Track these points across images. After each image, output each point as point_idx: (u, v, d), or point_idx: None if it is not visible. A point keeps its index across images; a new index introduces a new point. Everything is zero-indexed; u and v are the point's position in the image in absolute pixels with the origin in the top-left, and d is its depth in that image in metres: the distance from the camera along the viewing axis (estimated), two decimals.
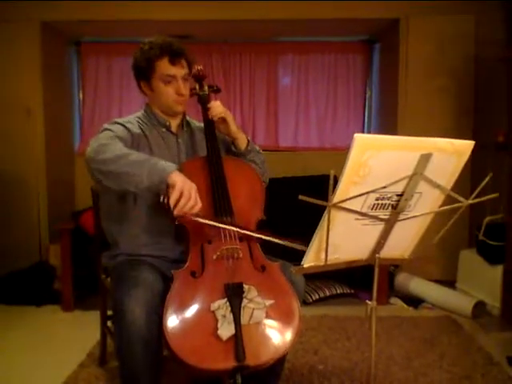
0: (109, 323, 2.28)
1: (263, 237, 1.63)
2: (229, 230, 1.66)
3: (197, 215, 1.52)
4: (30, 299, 3.30)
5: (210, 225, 1.62)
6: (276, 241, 1.57)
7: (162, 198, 1.51)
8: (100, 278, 2.20)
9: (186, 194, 1.46)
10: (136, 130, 1.83)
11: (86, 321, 2.94)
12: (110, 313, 2.23)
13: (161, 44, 1.81)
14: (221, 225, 1.63)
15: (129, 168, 1.51)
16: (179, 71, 1.82)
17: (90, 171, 1.59)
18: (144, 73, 1.84)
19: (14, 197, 3.67)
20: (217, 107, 1.89)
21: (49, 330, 2.91)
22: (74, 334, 2.83)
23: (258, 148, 2.01)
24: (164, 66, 1.80)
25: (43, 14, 3.57)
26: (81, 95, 4.30)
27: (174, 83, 1.82)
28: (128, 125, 1.81)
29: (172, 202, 1.45)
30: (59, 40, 3.96)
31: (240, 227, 1.65)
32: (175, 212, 1.47)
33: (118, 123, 1.81)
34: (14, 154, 3.65)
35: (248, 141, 1.96)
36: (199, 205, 1.50)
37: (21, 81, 3.62)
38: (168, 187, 1.48)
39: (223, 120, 1.90)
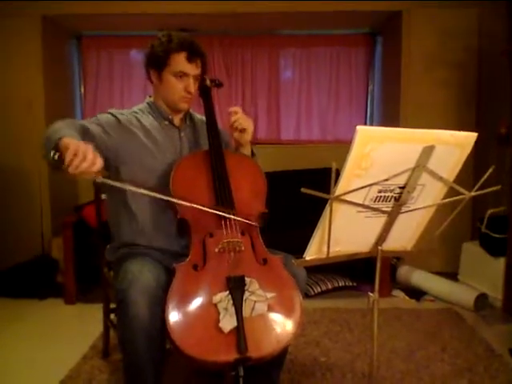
0: (111, 316, 2.29)
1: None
2: (230, 220, 1.66)
3: (100, 176, 1.45)
4: (33, 292, 3.32)
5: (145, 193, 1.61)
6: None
7: (52, 153, 1.42)
8: (102, 271, 2.20)
9: (80, 155, 1.38)
10: (125, 120, 1.82)
11: (89, 314, 2.95)
12: (112, 305, 2.25)
13: (181, 39, 1.80)
14: (155, 194, 1.59)
15: (44, 141, 1.56)
16: (193, 70, 1.82)
17: None
18: (157, 62, 1.82)
19: (16, 190, 3.67)
20: (241, 117, 1.83)
21: (52, 323, 2.92)
22: (77, 327, 2.84)
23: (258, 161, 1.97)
24: (180, 61, 1.79)
25: (44, 8, 3.55)
26: (82, 89, 4.29)
27: (184, 80, 1.81)
28: (117, 114, 1.82)
29: (67, 161, 1.37)
30: (60, 34, 3.94)
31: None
32: (70, 171, 1.38)
33: (109, 112, 1.83)
34: (16, 147, 3.65)
35: (252, 153, 1.94)
36: (98, 164, 1.41)
37: (22, 75, 3.62)
38: (61, 153, 1.42)
39: (243, 130, 1.85)
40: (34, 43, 3.59)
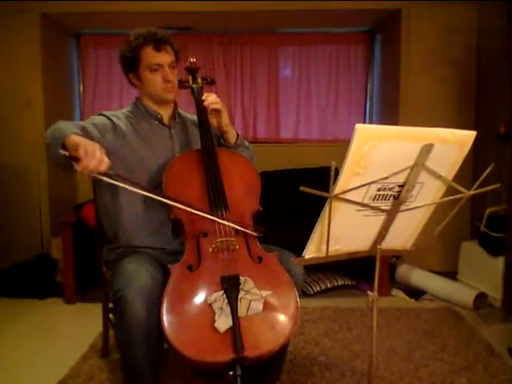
0: (111, 315, 2.28)
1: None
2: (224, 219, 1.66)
3: (109, 176, 1.47)
4: (33, 292, 3.31)
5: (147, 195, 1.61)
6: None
7: (60, 152, 1.45)
8: (101, 271, 2.20)
9: (89, 153, 1.39)
10: (122, 124, 1.83)
11: (88, 313, 2.95)
12: (111, 305, 2.24)
13: (144, 33, 1.82)
14: (162, 199, 1.60)
15: (49, 140, 1.56)
16: (165, 58, 1.82)
17: None
18: (131, 63, 1.84)
19: (15, 190, 3.67)
20: (212, 97, 1.87)
21: (51, 323, 2.93)
22: (77, 326, 2.84)
23: (247, 143, 1.99)
24: (149, 54, 1.81)
25: (43, 5, 3.55)
26: (81, 87, 4.29)
27: (160, 71, 1.82)
28: (112, 117, 1.83)
29: (77, 159, 1.40)
30: (59, 32, 3.94)
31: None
32: (78, 169, 1.40)
33: (102, 114, 1.83)
34: (15, 146, 3.65)
35: (237, 135, 1.95)
36: (105, 163, 1.43)
37: (21, 73, 3.61)
38: (67, 149, 1.45)
39: (217, 111, 1.86)
40: (33, 41, 3.59)
